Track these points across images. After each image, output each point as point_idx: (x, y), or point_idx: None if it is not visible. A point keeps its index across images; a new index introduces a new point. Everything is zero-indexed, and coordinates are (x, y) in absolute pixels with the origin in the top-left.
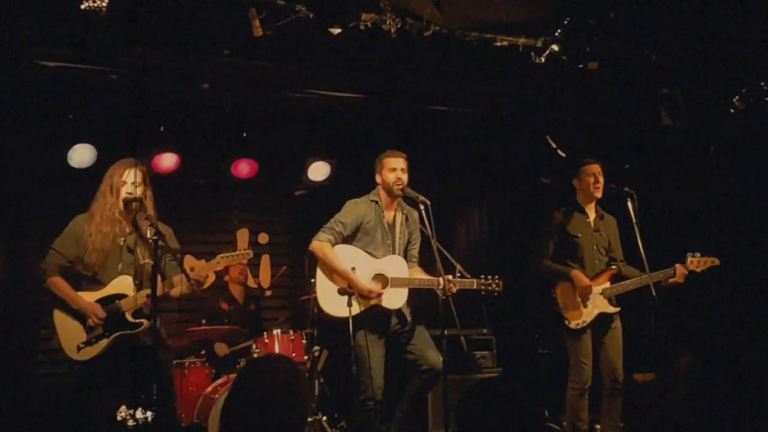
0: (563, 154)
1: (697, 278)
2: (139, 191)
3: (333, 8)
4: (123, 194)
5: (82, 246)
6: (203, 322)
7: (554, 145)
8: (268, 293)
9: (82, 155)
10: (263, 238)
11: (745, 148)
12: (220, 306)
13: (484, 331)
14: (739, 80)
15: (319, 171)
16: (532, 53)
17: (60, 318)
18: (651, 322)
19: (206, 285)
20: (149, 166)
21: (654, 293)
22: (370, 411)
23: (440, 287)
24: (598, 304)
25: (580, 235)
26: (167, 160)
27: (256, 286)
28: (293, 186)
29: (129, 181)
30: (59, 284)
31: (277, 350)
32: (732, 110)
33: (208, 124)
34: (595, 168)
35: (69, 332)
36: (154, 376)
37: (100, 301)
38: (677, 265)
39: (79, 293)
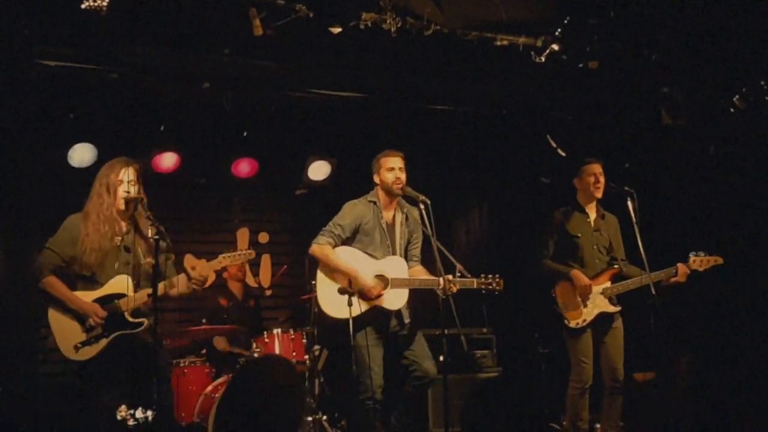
0: (563, 154)
1: (697, 278)
2: (135, 190)
3: (333, 7)
4: (121, 193)
5: (79, 246)
6: (203, 321)
7: (554, 145)
8: (269, 292)
9: (82, 155)
10: (263, 238)
11: (745, 148)
12: (219, 302)
13: (485, 330)
14: (739, 80)
15: (319, 170)
16: (533, 53)
17: (55, 318)
18: (651, 322)
19: (208, 284)
20: (144, 164)
21: (654, 292)
22: (369, 410)
23: (440, 287)
24: (598, 304)
25: (580, 235)
26: (167, 160)
27: (256, 285)
28: (294, 185)
29: (126, 179)
30: (55, 284)
31: (277, 349)
32: (732, 110)
33: (208, 124)
34: (596, 168)
35: (65, 332)
36: (154, 376)
37: (98, 300)
38: (679, 265)
39: (75, 293)
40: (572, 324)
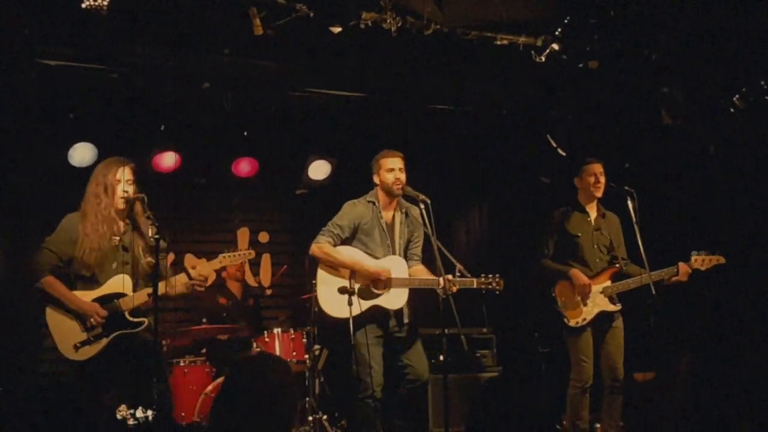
0: (563, 153)
1: (697, 277)
2: (132, 189)
3: (333, 7)
4: (119, 193)
5: (78, 246)
6: (203, 320)
7: (554, 144)
8: (269, 292)
9: (82, 154)
10: (264, 237)
11: (745, 148)
12: (218, 301)
13: (485, 330)
14: (739, 80)
15: (319, 170)
16: (533, 52)
17: (54, 318)
18: (651, 321)
19: (208, 284)
20: (139, 163)
21: (654, 292)
22: (370, 409)
23: (440, 287)
24: (598, 303)
25: (580, 234)
26: (168, 159)
27: (256, 284)
28: (294, 185)
29: (123, 179)
30: (54, 284)
31: (277, 349)
32: (732, 109)
33: (208, 123)
34: (597, 167)
35: (64, 332)
36: (154, 375)
37: (97, 300)
38: (680, 264)
39: (74, 292)
40: (572, 323)
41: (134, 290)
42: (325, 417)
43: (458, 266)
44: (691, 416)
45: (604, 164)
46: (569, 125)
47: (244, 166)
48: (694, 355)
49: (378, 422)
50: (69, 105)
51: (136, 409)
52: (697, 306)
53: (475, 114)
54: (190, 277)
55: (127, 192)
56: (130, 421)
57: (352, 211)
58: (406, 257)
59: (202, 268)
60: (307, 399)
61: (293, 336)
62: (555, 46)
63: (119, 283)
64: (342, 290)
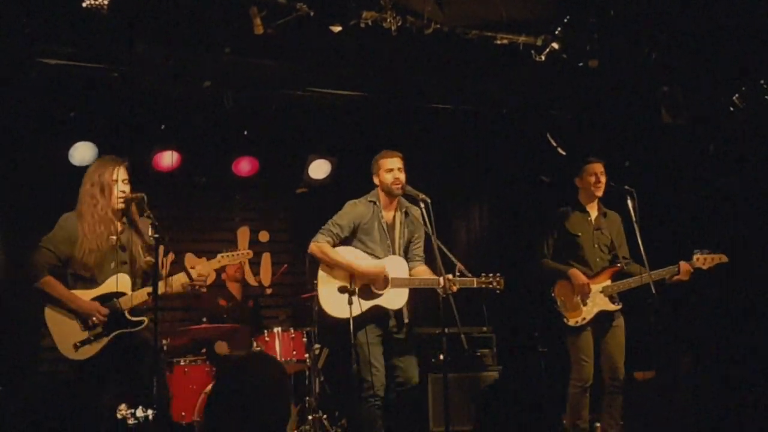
0: (563, 152)
1: (698, 276)
2: (128, 188)
3: (334, 6)
4: (117, 193)
5: (78, 247)
6: (203, 320)
7: (554, 143)
8: (269, 291)
9: (83, 153)
10: (264, 236)
11: (744, 147)
12: (219, 303)
13: (485, 329)
14: (738, 78)
15: (319, 169)
16: (533, 51)
17: (53, 317)
18: (651, 320)
19: (208, 283)
20: (143, 162)
21: (654, 291)
22: (372, 408)
23: (440, 286)
24: (598, 302)
25: (580, 234)
26: (168, 158)
27: (257, 284)
28: (294, 184)
29: (119, 179)
30: (54, 284)
31: (277, 348)
32: (732, 108)
33: (209, 122)
34: (597, 167)
35: (64, 332)
36: (153, 374)
37: (96, 299)
38: (681, 263)
39: (74, 292)
40: (571, 322)
41: (132, 289)
42: (325, 416)
43: (458, 265)
44: (691, 415)
45: (605, 164)
46: (569, 124)
47: (245, 166)
48: (694, 354)
49: (380, 421)
50: (69, 104)
51: (136, 408)
52: (697, 305)
53: (475, 113)
54: (190, 277)
55: (124, 192)
56: (130, 421)
57: (353, 210)
58: (407, 257)
59: (201, 268)
60: (307, 398)
61: (293, 335)
62: (555, 46)
63: (118, 282)
64: (342, 290)
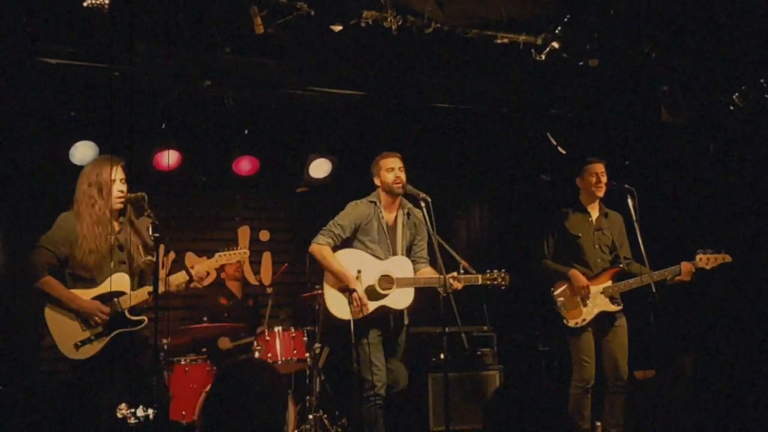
0: (563, 151)
1: (699, 276)
2: (126, 188)
3: (334, 5)
4: (115, 193)
5: (78, 248)
6: (204, 319)
7: (554, 143)
8: (270, 290)
9: (84, 152)
10: (264, 236)
11: (744, 146)
12: (219, 301)
13: (485, 328)
14: (738, 77)
15: (320, 168)
16: (533, 50)
17: (53, 317)
18: (651, 320)
19: (207, 282)
20: (143, 162)
21: (654, 290)
22: (373, 407)
23: (441, 285)
24: (598, 303)
25: (581, 235)
26: (169, 158)
27: (257, 283)
28: (294, 183)
29: (118, 178)
30: (54, 284)
31: (278, 347)
32: (731, 107)
33: (209, 122)
34: (598, 167)
35: (64, 331)
36: (153, 373)
37: (96, 299)
38: (683, 263)
39: (73, 291)
40: (571, 323)
41: (131, 289)
42: (325, 416)
43: (462, 263)
44: (692, 415)
45: (606, 163)
46: (569, 123)
47: (245, 165)
48: (695, 353)
49: (381, 420)
50: (70, 103)
51: (136, 407)
52: (698, 304)
53: (476, 112)
54: (190, 276)
55: (122, 191)
56: (131, 420)
57: (354, 211)
58: (410, 259)
59: (199, 267)
60: (308, 397)
61: (294, 334)
62: (555, 45)
63: (117, 281)
64: (343, 289)
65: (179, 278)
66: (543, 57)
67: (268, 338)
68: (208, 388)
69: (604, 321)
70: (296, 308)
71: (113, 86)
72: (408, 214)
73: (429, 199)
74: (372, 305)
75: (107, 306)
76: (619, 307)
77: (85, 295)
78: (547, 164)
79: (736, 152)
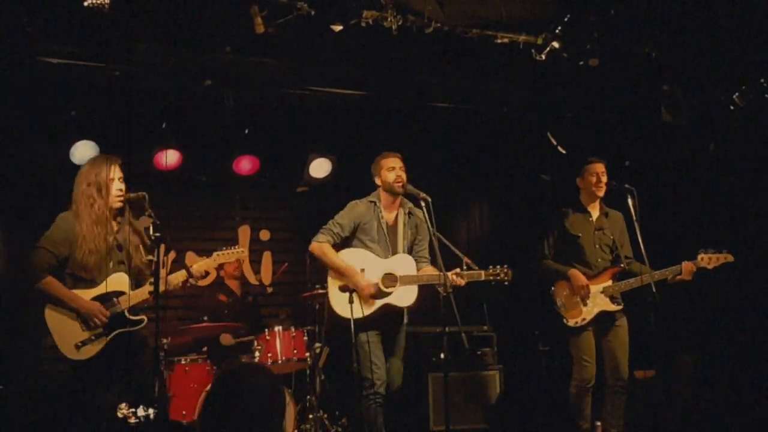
0: (563, 151)
1: (699, 276)
2: (124, 187)
3: (334, 5)
4: (114, 192)
5: (78, 249)
6: (204, 318)
7: (554, 142)
8: (270, 290)
9: (84, 152)
10: (265, 235)
11: (744, 146)
12: (219, 299)
13: (485, 328)
14: (739, 77)
15: (320, 168)
16: (533, 50)
17: (53, 317)
18: (651, 319)
19: (207, 282)
20: (143, 161)
21: (654, 290)
22: (373, 406)
23: (441, 283)
24: (598, 303)
25: (581, 235)
26: (169, 157)
27: (257, 283)
28: (295, 183)
29: (116, 177)
30: (54, 285)
31: (278, 347)
32: (732, 107)
33: (209, 121)
34: (599, 167)
35: (64, 331)
36: (153, 373)
37: (96, 299)
38: (684, 263)
39: (74, 291)
40: (571, 323)
41: (133, 289)
42: (325, 415)
43: (465, 259)
44: (691, 415)
45: (606, 163)
46: (569, 123)
47: (245, 164)
48: (695, 353)
49: (381, 419)
50: (70, 103)
51: (137, 407)
52: (698, 304)
53: (476, 112)
54: (191, 274)
55: (121, 190)
56: (131, 420)
57: (353, 210)
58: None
59: (198, 266)
60: (308, 397)
61: (294, 334)
62: (555, 45)
63: (117, 281)
64: (342, 288)
65: (179, 277)
66: (543, 57)
67: (268, 338)
68: (208, 387)
69: (604, 321)
70: (296, 308)
71: (113, 86)
72: (409, 213)
73: (429, 199)
74: (376, 303)
75: (107, 306)
76: (620, 307)
77: (85, 295)
78: (547, 164)
79: (736, 152)
